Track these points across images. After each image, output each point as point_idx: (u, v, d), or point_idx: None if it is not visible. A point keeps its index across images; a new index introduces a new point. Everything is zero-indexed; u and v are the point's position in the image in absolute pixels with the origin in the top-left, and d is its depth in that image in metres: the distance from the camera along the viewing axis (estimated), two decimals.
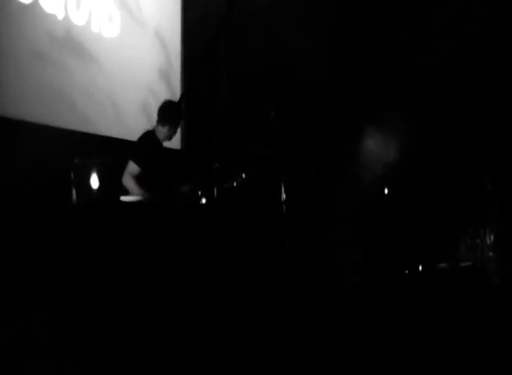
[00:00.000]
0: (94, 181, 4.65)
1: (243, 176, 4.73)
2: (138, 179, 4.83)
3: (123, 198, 4.67)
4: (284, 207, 4.77)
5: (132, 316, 3.78)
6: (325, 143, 6.64)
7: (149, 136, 5.02)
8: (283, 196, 4.83)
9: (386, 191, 7.48)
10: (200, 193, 4.64)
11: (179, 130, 5.62)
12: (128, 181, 4.76)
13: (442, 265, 6.98)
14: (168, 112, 5.01)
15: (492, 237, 7.41)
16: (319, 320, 4.06)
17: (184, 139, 7.41)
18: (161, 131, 4.99)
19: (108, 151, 5.81)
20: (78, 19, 5.94)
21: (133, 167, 4.77)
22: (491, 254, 7.30)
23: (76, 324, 3.88)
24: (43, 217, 4.17)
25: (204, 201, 4.51)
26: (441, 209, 7.48)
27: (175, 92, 7.11)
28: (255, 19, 6.53)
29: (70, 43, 5.84)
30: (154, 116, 5.18)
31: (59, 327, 3.88)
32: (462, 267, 7.06)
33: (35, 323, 3.91)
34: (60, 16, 5.73)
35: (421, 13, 7.69)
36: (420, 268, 7.02)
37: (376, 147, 7.34)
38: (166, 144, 5.15)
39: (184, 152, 7.24)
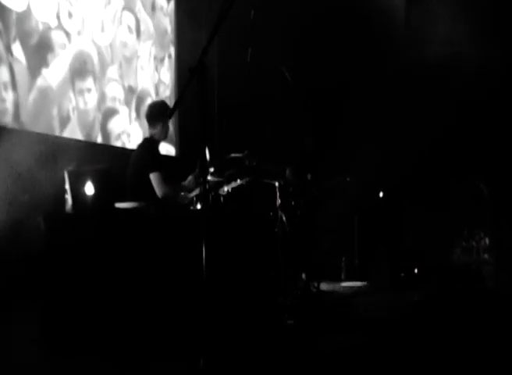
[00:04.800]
0: (89, 189, 4.65)
1: (238, 181, 4.75)
2: (137, 187, 4.87)
3: (118, 205, 4.68)
4: (279, 212, 4.78)
5: (127, 325, 3.78)
6: (320, 148, 6.66)
7: (150, 142, 5.09)
8: (278, 201, 4.84)
9: (381, 194, 7.50)
10: (195, 199, 4.65)
11: (175, 136, 5.69)
12: (170, 190, 4.82)
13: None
14: (153, 113, 5.11)
15: (487, 239, 7.43)
16: (312, 328, 4.06)
17: (179, 146, 7.45)
18: (156, 133, 5.09)
19: (102, 159, 5.82)
20: (71, 28, 5.95)
21: (159, 177, 4.82)
22: (486, 256, 7.32)
23: (69, 334, 3.89)
24: (37, 225, 4.17)
25: (198, 207, 4.51)
26: (436, 213, 7.50)
27: (170, 100, 7.17)
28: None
29: (64, 51, 5.85)
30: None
31: (52, 338, 3.88)
32: (457, 270, 7.07)
33: (27, 335, 3.92)
34: (53, 25, 5.74)
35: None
36: (415, 271, 7.02)
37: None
38: (163, 151, 5.20)
39: (179, 159, 7.27)
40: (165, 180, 4.84)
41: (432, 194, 7.66)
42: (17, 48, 5.23)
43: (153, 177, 4.83)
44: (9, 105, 5.16)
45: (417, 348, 3.93)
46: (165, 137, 5.21)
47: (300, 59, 7.49)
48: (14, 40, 5.21)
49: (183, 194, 4.90)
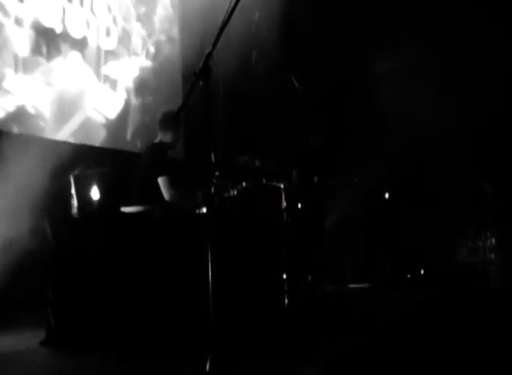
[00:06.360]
0: (95, 192, 4.67)
1: (244, 184, 4.75)
2: (144, 190, 4.88)
3: (124, 209, 4.69)
4: (285, 214, 4.78)
5: (132, 329, 3.79)
6: (325, 150, 6.67)
7: (159, 147, 5.10)
8: (284, 203, 4.84)
9: (387, 195, 7.49)
10: (200, 202, 4.65)
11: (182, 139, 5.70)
12: (177, 195, 4.82)
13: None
14: (166, 121, 5.12)
15: (493, 239, 7.42)
16: (316, 329, 4.06)
17: (186, 148, 7.46)
18: (165, 139, 5.10)
19: (108, 163, 5.84)
20: (76, 33, 5.99)
21: (168, 181, 4.83)
22: (492, 256, 7.31)
23: (75, 335, 3.91)
24: (43, 229, 4.19)
25: (204, 210, 4.51)
26: (440, 213, 7.49)
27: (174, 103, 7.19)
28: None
29: (68, 56, 5.89)
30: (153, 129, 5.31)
31: (59, 340, 3.90)
32: (463, 270, 7.07)
33: (35, 339, 3.94)
34: (58, 30, 5.79)
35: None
36: (421, 272, 7.02)
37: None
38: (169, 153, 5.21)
39: (186, 161, 7.28)
40: (172, 184, 4.85)
41: (435, 194, 7.66)
42: None
43: (161, 181, 4.84)
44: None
45: (421, 348, 3.93)
46: (174, 144, 5.19)
47: (303, 60, 7.50)
48: None
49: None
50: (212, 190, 3.32)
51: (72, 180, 4.60)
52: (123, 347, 3.70)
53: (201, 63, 3.17)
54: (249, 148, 5.62)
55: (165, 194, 4.82)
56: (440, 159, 7.65)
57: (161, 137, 5.12)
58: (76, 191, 4.58)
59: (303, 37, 7.80)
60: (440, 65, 7.64)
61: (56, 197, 4.91)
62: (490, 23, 7.21)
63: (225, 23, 3.24)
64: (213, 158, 3.73)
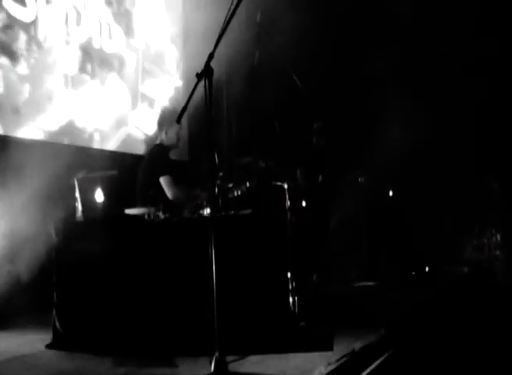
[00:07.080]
0: (99, 195, 4.67)
1: (248, 184, 4.74)
2: (145, 191, 4.88)
3: (128, 211, 4.69)
4: (289, 214, 4.77)
5: (138, 330, 3.80)
6: (330, 149, 6.67)
7: (159, 148, 5.09)
8: (288, 203, 4.83)
9: (391, 193, 7.48)
10: (204, 203, 4.64)
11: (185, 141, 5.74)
12: (180, 193, 4.82)
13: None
14: (159, 119, 5.15)
15: (498, 236, 7.42)
16: (324, 329, 4.06)
17: (190, 149, 7.49)
18: (164, 139, 5.09)
19: (112, 166, 5.85)
20: (79, 36, 6.02)
21: (170, 180, 4.83)
22: (498, 253, 7.31)
23: (82, 335, 3.92)
24: (48, 232, 4.20)
25: (208, 210, 4.51)
26: (445, 211, 7.49)
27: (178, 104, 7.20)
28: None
29: (71, 59, 5.91)
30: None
31: (65, 345, 3.91)
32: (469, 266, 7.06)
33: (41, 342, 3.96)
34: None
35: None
36: (426, 269, 7.01)
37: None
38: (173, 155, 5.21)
39: (188, 162, 7.30)
40: (175, 182, 4.84)
41: (440, 192, 7.66)
42: None
43: (163, 181, 4.83)
44: None
45: (424, 347, 3.94)
46: (173, 142, 5.15)
47: (306, 59, 7.50)
48: None
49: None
50: (216, 190, 3.33)
51: (76, 183, 4.60)
52: (129, 348, 3.72)
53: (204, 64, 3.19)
54: (252, 149, 5.61)
55: (168, 193, 4.81)
56: (444, 157, 7.65)
57: (159, 137, 5.12)
58: (81, 194, 4.58)
59: (304, 38, 7.80)
60: (440, 65, 7.64)
61: (61, 200, 4.92)
62: (491, 23, 7.22)
63: (227, 24, 3.25)
64: (217, 159, 3.74)
